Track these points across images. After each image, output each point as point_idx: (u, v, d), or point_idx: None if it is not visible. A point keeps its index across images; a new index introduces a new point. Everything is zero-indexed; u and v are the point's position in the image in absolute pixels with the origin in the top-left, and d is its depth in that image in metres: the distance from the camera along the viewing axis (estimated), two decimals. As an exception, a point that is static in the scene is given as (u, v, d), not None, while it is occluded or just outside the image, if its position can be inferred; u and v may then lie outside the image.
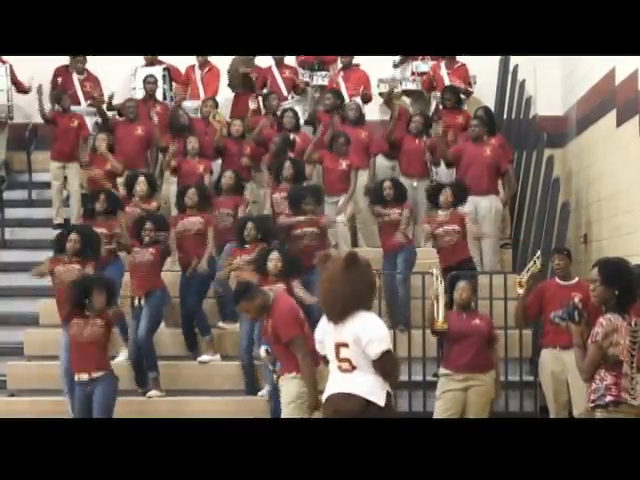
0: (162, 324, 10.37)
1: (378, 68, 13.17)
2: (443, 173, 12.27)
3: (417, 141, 12.07)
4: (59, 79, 13.43)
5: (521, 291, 8.66)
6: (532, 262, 8.71)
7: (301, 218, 10.40)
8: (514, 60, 13.09)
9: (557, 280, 8.88)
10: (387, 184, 10.79)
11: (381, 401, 5.90)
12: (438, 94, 12.95)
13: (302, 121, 12.79)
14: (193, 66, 13.47)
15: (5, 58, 13.01)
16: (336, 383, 6.03)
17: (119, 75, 13.44)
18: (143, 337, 9.91)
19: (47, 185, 12.94)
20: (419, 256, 10.66)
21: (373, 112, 13.35)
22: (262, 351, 8.32)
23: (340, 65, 13.42)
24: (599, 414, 6.13)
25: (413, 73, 13.47)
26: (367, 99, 13.20)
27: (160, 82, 13.13)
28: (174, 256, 10.67)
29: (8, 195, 13.16)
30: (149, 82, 12.96)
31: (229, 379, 10.13)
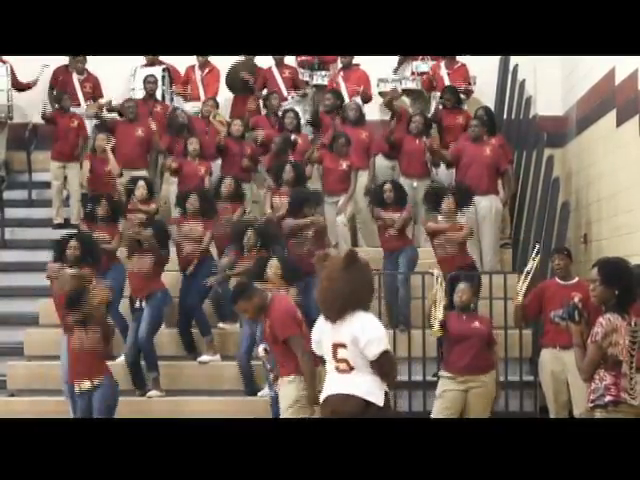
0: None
1: (378, 68, 13.17)
2: (443, 173, 12.29)
3: (417, 141, 12.04)
4: (59, 79, 13.44)
5: (520, 298, 8.69)
6: (531, 260, 8.74)
7: (307, 220, 10.38)
8: (514, 60, 13.09)
9: (557, 280, 8.89)
10: (387, 187, 10.77)
11: (380, 401, 5.91)
12: (438, 94, 12.96)
13: (302, 121, 12.80)
14: (193, 66, 13.47)
15: (5, 58, 13.01)
16: (334, 384, 6.03)
17: (119, 75, 13.45)
18: (144, 338, 9.89)
19: (47, 185, 12.95)
20: (419, 256, 10.67)
21: (373, 112, 13.35)
22: (260, 349, 8.26)
23: (340, 65, 13.42)
24: (598, 414, 6.14)
25: (413, 73, 13.48)
26: (367, 99, 13.21)
27: (159, 83, 13.14)
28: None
29: (8, 195, 13.13)
30: (149, 82, 12.97)
31: (229, 379, 10.11)
